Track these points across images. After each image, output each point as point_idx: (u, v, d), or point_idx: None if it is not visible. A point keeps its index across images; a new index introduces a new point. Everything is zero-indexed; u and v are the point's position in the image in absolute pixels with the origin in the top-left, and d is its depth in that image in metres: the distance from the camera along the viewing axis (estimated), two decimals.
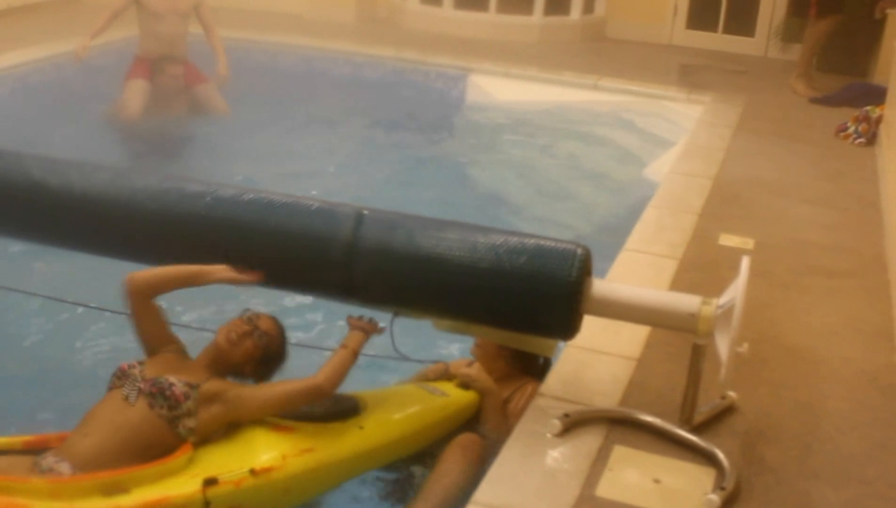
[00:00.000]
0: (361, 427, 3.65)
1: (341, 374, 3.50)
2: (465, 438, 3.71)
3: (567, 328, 3.44)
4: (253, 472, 3.31)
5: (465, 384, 4.00)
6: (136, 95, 8.11)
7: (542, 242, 3.44)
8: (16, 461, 3.31)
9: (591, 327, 3.62)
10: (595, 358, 3.91)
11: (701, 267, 4.99)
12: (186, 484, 3.24)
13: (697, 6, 11.14)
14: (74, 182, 3.81)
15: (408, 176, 7.42)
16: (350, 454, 3.60)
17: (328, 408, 3.62)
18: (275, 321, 3.74)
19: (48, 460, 3.27)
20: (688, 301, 3.37)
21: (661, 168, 6.94)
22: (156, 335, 3.65)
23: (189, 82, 8.31)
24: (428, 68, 9.66)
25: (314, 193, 6.70)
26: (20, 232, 4.10)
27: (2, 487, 3.04)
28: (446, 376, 4.11)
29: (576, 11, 11.22)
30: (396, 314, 3.71)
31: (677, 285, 4.71)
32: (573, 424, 3.40)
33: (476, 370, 3.98)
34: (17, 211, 3.91)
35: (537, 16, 11.11)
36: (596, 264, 3.49)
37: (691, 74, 9.68)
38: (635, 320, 3.54)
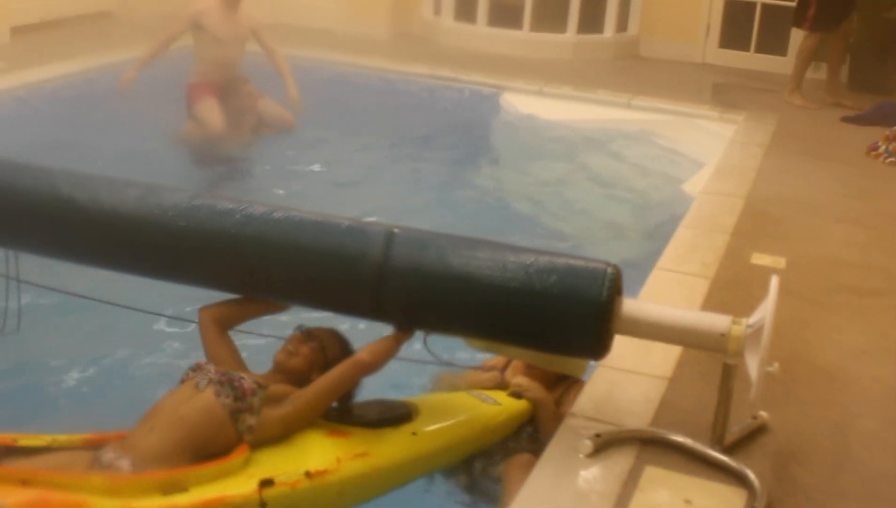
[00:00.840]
0: (414, 433, 3.70)
1: (384, 354, 3.57)
2: (526, 459, 3.74)
3: (598, 347, 3.43)
4: (308, 474, 3.36)
5: (517, 394, 4.09)
6: (214, 111, 8.06)
7: (572, 261, 3.44)
8: (76, 456, 3.36)
9: (623, 346, 3.61)
10: (626, 378, 3.91)
11: (733, 286, 4.98)
12: (243, 485, 3.28)
13: (730, 25, 11.12)
14: (104, 198, 3.77)
15: (440, 193, 7.44)
16: (403, 459, 3.65)
17: (382, 414, 3.71)
18: (329, 329, 3.85)
19: (108, 455, 3.31)
20: (717, 321, 3.37)
21: (693, 187, 6.93)
22: (227, 365, 3.69)
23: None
24: (461, 85, 9.70)
25: (345, 208, 6.85)
26: (47, 248, 4.03)
27: (62, 483, 3.07)
28: (500, 385, 4.22)
29: (609, 30, 11.23)
30: (428, 334, 3.72)
31: (709, 304, 4.70)
32: (604, 444, 3.40)
33: (528, 381, 4.09)
34: (45, 227, 3.87)
35: (571, 34, 11.14)
36: (628, 283, 3.49)
37: (724, 93, 9.67)
38: (665, 339, 3.54)
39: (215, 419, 3.40)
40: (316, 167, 7.86)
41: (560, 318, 3.37)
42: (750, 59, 10.90)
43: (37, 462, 3.28)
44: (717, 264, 5.25)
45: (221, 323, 3.79)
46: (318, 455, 3.46)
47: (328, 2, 11.67)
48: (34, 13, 10.73)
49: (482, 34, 11.19)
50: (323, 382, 3.57)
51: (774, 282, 3.31)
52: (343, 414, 3.69)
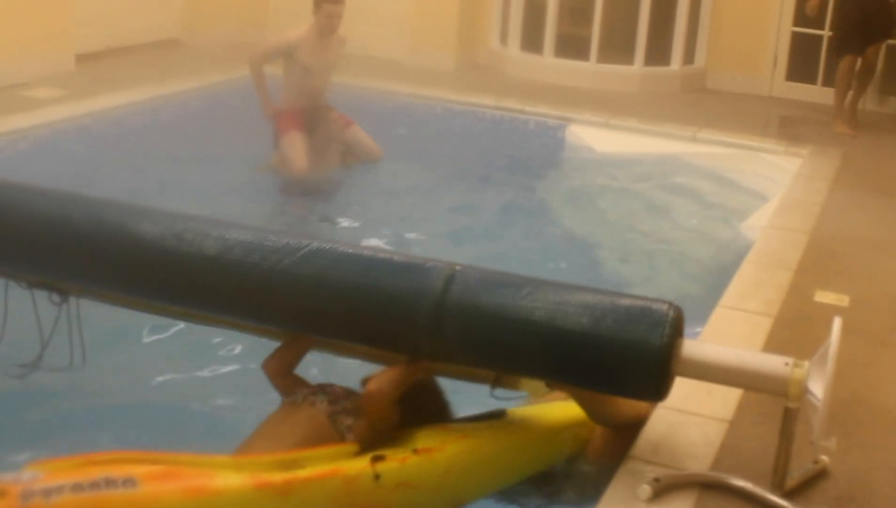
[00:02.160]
0: (511, 422, 3.88)
1: (390, 384, 3.63)
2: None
3: (658, 390, 3.39)
4: (416, 451, 3.55)
5: None
6: (300, 148, 8.03)
7: (634, 302, 3.40)
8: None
9: (683, 387, 3.56)
10: (686, 420, 3.86)
11: (796, 325, 4.91)
12: (356, 461, 3.46)
13: (797, 58, 11.01)
14: (157, 232, 3.76)
15: (503, 226, 7.41)
16: (505, 442, 3.82)
17: (477, 416, 3.89)
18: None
19: None
20: (778, 364, 3.32)
21: (758, 222, 6.86)
22: None
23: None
24: (527, 117, 9.66)
25: (407, 240, 6.88)
26: (122, 288, 3.97)
27: (188, 461, 3.24)
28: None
29: (676, 62, 11.16)
30: (494, 387, 3.77)
31: (772, 343, 4.63)
32: (664, 489, 3.35)
33: None
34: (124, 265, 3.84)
35: (638, 66, 11.09)
36: (690, 320, 3.45)
37: (790, 126, 9.58)
38: (726, 382, 3.49)
39: (315, 423, 3.58)
40: (381, 199, 7.85)
41: (620, 360, 3.33)
42: (817, 93, 10.76)
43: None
44: (781, 302, 5.18)
45: (285, 369, 3.89)
46: (424, 437, 3.65)
47: (395, 33, 11.71)
48: (99, 41, 10.80)
49: (549, 65, 11.18)
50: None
51: (837, 324, 3.25)
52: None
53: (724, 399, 3.97)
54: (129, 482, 3.02)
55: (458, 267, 3.56)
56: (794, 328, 4.85)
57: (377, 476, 3.41)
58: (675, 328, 3.31)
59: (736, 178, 8.33)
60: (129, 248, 3.76)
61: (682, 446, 3.72)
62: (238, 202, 7.39)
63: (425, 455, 3.55)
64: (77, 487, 2.95)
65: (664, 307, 3.33)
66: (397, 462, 3.48)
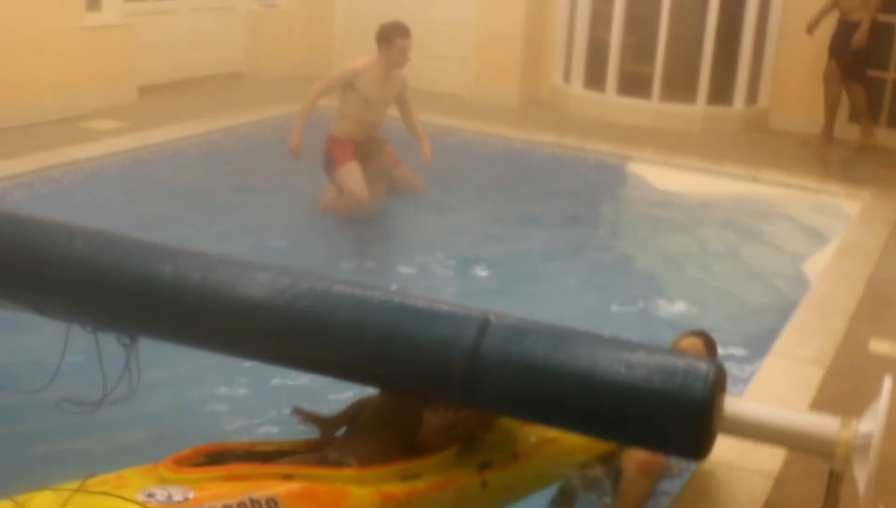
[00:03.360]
0: None
1: None
2: (643, 458, 3.85)
3: (698, 448, 3.22)
4: (515, 457, 3.80)
5: None
6: (358, 178, 7.89)
7: (675, 358, 3.25)
8: (307, 457, 3.59)
9: (728, 439, 3.38)
10: (730, 474, 3.68)
11: (848, 375, 4.71)
12: (466, 469, 3.66)
13: None
14: (190, 276, 3.68)
15: (560, 263, 7.23)
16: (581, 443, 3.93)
17: None
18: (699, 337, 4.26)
19: (333, 455, 3.55)
20: (825, 424, 3.14)
21: (815, 265, 6.65)
22: None
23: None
24: (587, 155, 9.51)
25: (459, 278, 6.74)
26: (164, 332, 3.89)
27: (320, 475, 3.38)
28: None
29: (739, 102, 10.95)
30: None
31: (822, 395, 4.44)
32: None
33: None
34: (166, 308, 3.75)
35: (700, 105, 10.89)
36: (742, 365, 3.27)
37: (851, 169, 9.31)
38: (770, 441, 3.32)
39: (413, 410, 3.70)
40: (435, 234, 7.72)
41: (659, 417, 3.18)
42: (881, 135, 10.43)
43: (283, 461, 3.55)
44: (834, 350, 4.98)
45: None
46: (521, 440, 3.85)
47: (459, 68, 11.64)
48: (163, 73, 10.85)
49: (611, 103, 11.01)
50: None
51: (888, 385, 3.07)
52: None
53: (770, 453, 3.78)
54: (271, 501, 3.17)
55: (492, 316, 3.43)
56: (847, 379, 4.65)
57: (484, 484, 3.66)
58: (717, 385, 3.15)
59: (795, 219, 8.10)
60: (157, 288, 3.70)
61: (726, 502, 3.55)
62: (290, 234, 7.39)
63: (524, 460, 3.81)
64: None
65: (706, 364, 3.18)
66: (501, 468, 3.73)
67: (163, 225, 6.92)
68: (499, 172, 9.26)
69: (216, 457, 3.48)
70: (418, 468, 3.56)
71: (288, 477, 3.31)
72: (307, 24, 12.23)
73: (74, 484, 3.08)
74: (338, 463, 3.51)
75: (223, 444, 3.64)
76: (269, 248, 6.82)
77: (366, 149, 8.03)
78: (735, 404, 3.26)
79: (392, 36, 7.73)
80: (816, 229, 7.81)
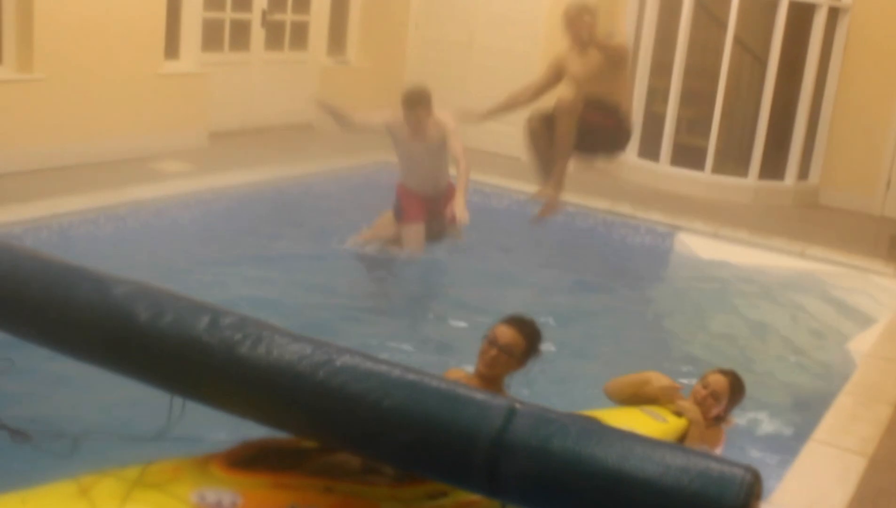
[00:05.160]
0: None
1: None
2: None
3: None
4: None
5: (678, 412, 4.84)
6: (420, 239, 7.76)
7: (708, 462, 2.84)
8: (349, 457, 3.59)
9: None
10: None
11: (893, 468, 4.22)
12: None
13: None
14: (209, 336, 3.35)
15: (603, 329, 6.83)
16: None
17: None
18: (512, 326, 4.24)
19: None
20: None
21: (860, 346, 6.18)
22: None
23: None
24: (638, 223, 9.09)
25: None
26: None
27: (357, 491, 3.46)
28: (668, 399, 4.92)
29: (790, 177, 10.53)
30: None
31: (865, 487, 4.00)
32: None
33: (691, 404, 4.91)
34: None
35: (752, 179, 10.47)
36: (781, 452, 2.84)
37: None
38: None
39: None
40: (481, 292, 7.33)
41: None
42: None
43: (325, 463, 3.57)
44: (878, 440, 4.53)
45: None
46: None
47: (516, 129, 11.30)
48: (235, 120, 10.77)
49: (664, 173, 10.63)
50: None
51: None
52: None
53: None
54: None
55: (518, 405, 3.07)
56: (892, 473, 4.18)
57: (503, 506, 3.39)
58: (752, 493, 2.74)
59: (842, 298, 7.63)
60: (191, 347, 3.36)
61: None
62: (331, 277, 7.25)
63: None
64: None
65: (740, 471, 2.79)
66: None
67: (211, 266, 6.87)
68: (547, 233, 8.85)
69: (264, 454, 3.53)
70: (445, 486, 3.53)
71: (329, 490, 3.38)
72: (377, 81, 11.97)
73: (136, 470, 3.20)
74: (376, 470, 3.57)
75: (271, 439, 3.62)
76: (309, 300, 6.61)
77: (432, 207, 7.78)
78: None
79: (405, 106, 7.53)
80: (864, 308, 7.35)
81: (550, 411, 3.11)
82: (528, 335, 4.29)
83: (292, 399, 3.25)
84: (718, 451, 4.83)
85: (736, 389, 5.08)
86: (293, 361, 3.23)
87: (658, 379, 4.98)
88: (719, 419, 5.03)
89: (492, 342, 4.21)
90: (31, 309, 3.63)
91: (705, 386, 5.01)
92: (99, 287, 3.57)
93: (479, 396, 3.13)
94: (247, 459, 3.48)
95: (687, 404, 4.90)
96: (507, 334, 4.23)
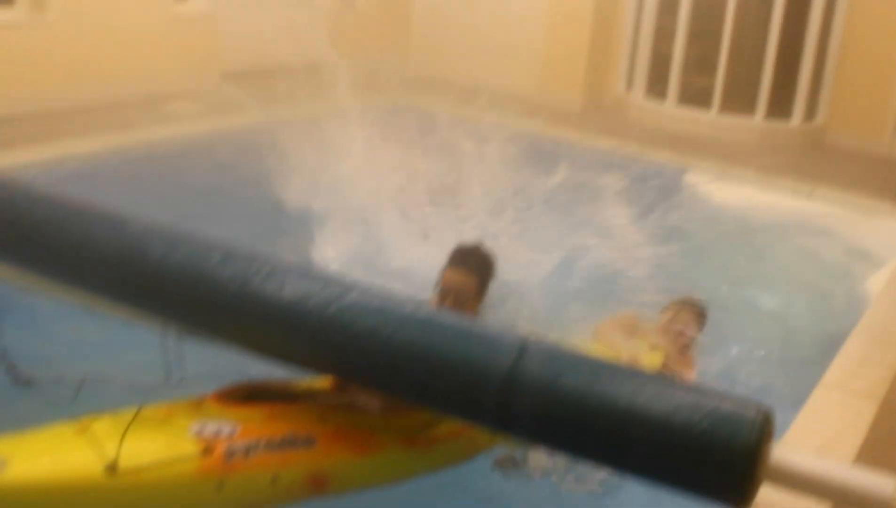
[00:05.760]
0: None
1: None
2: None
3: (740, 497, 2.76)
4: None
5: (654, 348, 4.85)
6: None
7: (720, 400, 2.78)
8: (337, 401, 3.66)
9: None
10: None
11: None
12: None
13: None
14: (229, 274, 3.31)
15: (612, 267, 6.73)
16: None
17: None
18: (457, 268, 4.03)
19: (362, 398, 3.62)
20: (881, 486, 2.67)
21: (870, 287, 6.12)
22: None
23: None
24: (646, 165, 8.98)
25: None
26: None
27: (356, 422, 3.53)
28: (640, 332, 4.98)
29: (797, 117, 10.38)
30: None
31: (875, 432, 3.94)
32: None
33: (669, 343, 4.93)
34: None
35: (758, 118, 10.33)
36: (790, 396, 2.81)
37: None
38: (816, 494, 2.83)
39: None
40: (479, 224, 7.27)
41: (700, 463, 2.73)
42: None
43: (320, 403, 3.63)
44: (889, 384, 4.47)
45: None
46: None
47: (524, 69, 11.21)
48: (246, 61, 10.56)
49: (670, 113, 10.53)
50: None
51: None
52: None
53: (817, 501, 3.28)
54: (309, 440, 3.37)
55: (531, 340, 3.01)
56: None
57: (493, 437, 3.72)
58: (763, 433, 2.69)
59: (851, 238, 7.55)
60: (203, 284, 3.34)
61: None
62: None
63: None
64: (269, 445, 3.28)
65: (752, 410, 2.73)
66: None
67: (222, 206, 6.87)
68: (555, 170, 8.77)
69: (255, 394, 3.56)
70: (437, 415, 3.60)
71: (322, 419, 3.47)
72: (383, 24, 11.84)
73: (131, 412, 3.20)
74: (365, 406, 3.61)
75: (262, 381, 3.66)
76: None
77: None
78: (782, 453, 2.80)
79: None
80: (873, 249, 7.25)
81: (562, 348, 3.06)
82: (477, 270, 4.10)
83: (303, 334, 3.21)
84: (692, 376, 4.90)
85: (702, 318, 5.20)
86: (304, 296, 3.19)
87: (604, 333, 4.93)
88: (687, 347, 5.08)
89: (444, 292, 4.01)
90: (48, 248, 3.60)
91: (677, 325, 5.08)
92: (113, 225, 3.55)
93: (491, 332, 3.08)
94: (239, 396, 3.52)
95: (660, 340, 4.96)
96: (454, 279, 4.04)
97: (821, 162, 9.54)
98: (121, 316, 3.68)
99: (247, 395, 3.54)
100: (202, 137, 8.18)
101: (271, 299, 3.23)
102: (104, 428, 3.13)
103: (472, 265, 4.11)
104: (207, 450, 3.17)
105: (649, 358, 4.74)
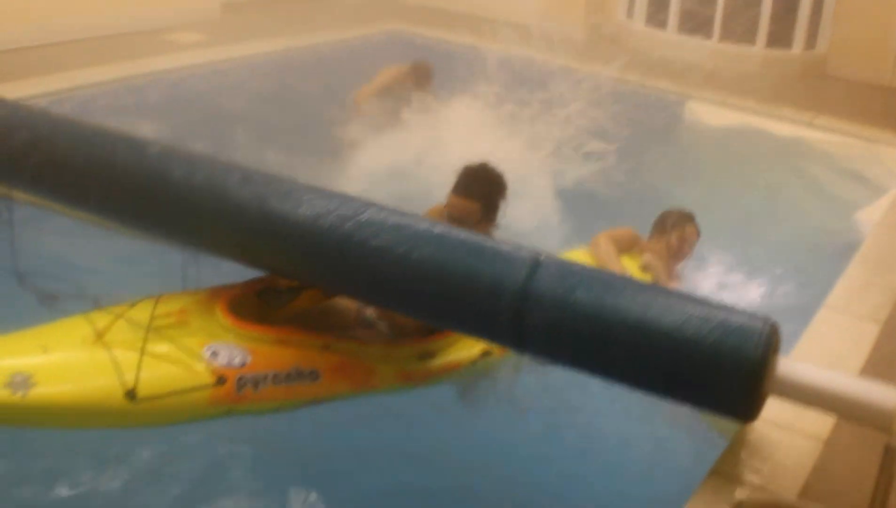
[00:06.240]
0: None
1: None
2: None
3: (746, 409, 2.87)
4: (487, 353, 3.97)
5: (645, 267, 5.02)
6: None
7: (729, 314, 2.87)
8: (343, 305, 3.88)
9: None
10: (777, 435, 3.31)
11: None
12: (470, 352, 3.91)
13: None
14: (248, 194, 3.41)
15: (610, 195, 6.80)
16: None
17: None
18: (460, 195, 4.07)
19: (369, 312, 3.87)
20: (885, 396, 2.77)
21: (870, 216, 6.16)
22: None
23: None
24: (647, 91, 9.02)
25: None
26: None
27: (353, 351, 3.65)
28: (638, 249, 5.15)
29: (798, 46, 10.35)
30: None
31: (877, 354, 4.03)
32: None
33: (656, 261, 5.05)
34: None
35: (759, 46, 10.30)
36: (794, 320, 2.91)
37: None
38: (822, 407, 2.94)
39: None
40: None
41: (709, 375, 2.82)
42: None
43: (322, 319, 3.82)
44: (891, 307, 4.55)
45: None
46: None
47: None
48: None
49: (671, 40, 10.49)
50: None
51: None
52: None
53: (820, 414, 3.36)
54: (313, 374, 3.51)
55: (543, 257, 3.08)
56: None
57: (477, 361, 3.94)
58: (770, 345, 2.78)
59: (850, 168, 7.59)
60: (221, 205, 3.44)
61: (771, 464, 3.17)
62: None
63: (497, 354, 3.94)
64: (276, 378, 3.42)
65: (759, 323, 2.81)
66: (497, 354, 3.94)
67: (229, 134, 6.82)
68: (555, 99, 8.78)
69: (264, 290, 3.78)
70: (433, 346, 3.83)
71: (326, 348, 3.58)
72: None
73: (144, 309, 3.36)
74: (372, 324, 3.87)
75: (266, 278, 3.81)
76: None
77: None
78: (788, 365, 2.90)
79: None
80: (872, 178, 7.29)
81: (574, 263, 3.13)
82: (481, 195, 4.10)
83: (320, 252, 3.29)
84: (680, 286, 5.11)
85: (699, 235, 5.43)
86: (321, 213, 3.27)
87: (600, 246, 5.00)
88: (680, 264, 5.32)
89: (449, 218, 4.04)
90: (71, 171, 3.68)
91: (683, 240, 5.27)
92: (134, 147, 3.63)
93: (505, 248, 3.14)
94: (248, 303, 3.68)
95: (653, 259, 5.07)
96: (457, 206, 4.07)
97: (821, 91, 9.54)
98: (141, 237, 3.77)
99: (257, 294, 3.74)
100: (206, 67, 8.19)
101: (289, 218, 3.31)
102: (119, 336, 3.27)
103: (476, 191, 4.10)
104: (220, 380, 3.30)
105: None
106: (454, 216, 4.04)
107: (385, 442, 3.86)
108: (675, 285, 5.05)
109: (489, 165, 4.24)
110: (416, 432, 3.93)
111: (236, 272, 3.79)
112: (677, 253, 5.21)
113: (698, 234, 5.37)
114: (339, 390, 3.61)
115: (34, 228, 4.17)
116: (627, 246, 5.14)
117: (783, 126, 8.23)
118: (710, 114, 8.57)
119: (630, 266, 5.01)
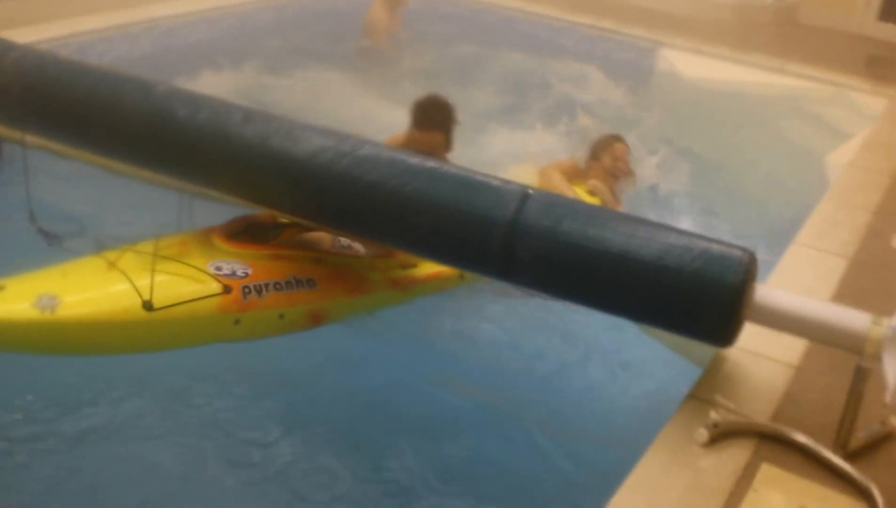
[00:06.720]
0: None
1: None
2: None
3: (724, 334, 3.01)
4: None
5: (592, 191, 5.40)
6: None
7: (708, 244, 3.00)
8: (322, 235, 4.11)
9: (751, 326, 3.13)
10: (751, 361, 3.45)
11: (871, 269, 4.43)
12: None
13: None
14: (252, 131, 3.54)
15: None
16: None
17: None
18: (422, 129, 4.34)
19: (343, 240, 4.17)
20: (856, 319, 2.91)
21: (839, 159, 6.31)
22: None
23: None
24: (622, 38, 9.12)
25: (484, 152, 6.46)
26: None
27: (343, 262, 4.08)
28: (581, 178, 5.52)
29: None
30: None
31: (845, 287, 4.17)
32: (721, 435, 2.96)
33: (602, 185, 5.44)
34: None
35: None
36: (764, 257, 3.05)
37: (878, 66, 8.83)
38: (797, 332, 3.08)
39: None
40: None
41: (689, 300, 2.97)
42: None
43: (296, 242, 4.02)
44: (857, 244, 4.69)
45: None
46: None
47: None
48: None
49: None
50: None
51: None
52: None
53: (793, 343, 3.52)
54: (311, 282, 3.86)
55: (531, 190, 3.20)
56: (870, 273, 4.38)
57: (462, 277, 4.38)
58: (748, 273, 2.91)
59: (820, 113, 7.74)
60: (225, 142, 3.56)
61: (745, 389, 3.32)
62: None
63: None
64: (277, 285, 3.75)
65: (739, 252, 2.96)
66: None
67: (226, 80, 6.95)
68: (532, 49, 8.88)
69: (253, 226, 3.96)
70: (414, 258, 4.20)
71: (319, 261, 3.96)
72: None
73: (149, 244, 3.63)
74: (348, 246, 4.18)
75: (255, 215, 4.01)
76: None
77: None
78: (765, 292, 3.03)
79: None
80: (841, 124, 7.45)
81: (561, 197, 3.27)
82: (442, 125, 4.40)
83: (318, 188, 3.42)
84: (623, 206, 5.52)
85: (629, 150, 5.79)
86: (319, 150, 3.39)
87: (553, 178, 5.35)
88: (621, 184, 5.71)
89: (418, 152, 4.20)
90: (76, 112, 3.78)
91: (616, 158, 5.65)
92: (139, 88, 3.72)
93: (495, 182, 3.25)
94: (241, 232, 3.90)
95: (600, 184, 5.45)
96: (423, 140, 4.34)
97: (793, 39, 9.64)
98: (145, 177, 3.88)
99: (246, 228, 3.95)
100: (205, 14, 8.32)
101: (289, 155, 3.43)
102: (131, 263, 3.54)
103: (438, 122, 4.38)
104: (227, 289, 3.60)
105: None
106: (422, 151, 4.11)
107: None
108: (619, 207, 5.43)
109: (437, 94, 4.48)
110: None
111: (228, 217, 4.00)
112: (615, 172, 5.59)
113: (629, 149, 5.73)
114: (337, 295, 3.95)
115: (43, 173, 4.26)
116: (572, 175, 5.50)
117: (755, 72, 8.36)
118: (682, 61, 8.67)
119: (579, 193, 5.35)
